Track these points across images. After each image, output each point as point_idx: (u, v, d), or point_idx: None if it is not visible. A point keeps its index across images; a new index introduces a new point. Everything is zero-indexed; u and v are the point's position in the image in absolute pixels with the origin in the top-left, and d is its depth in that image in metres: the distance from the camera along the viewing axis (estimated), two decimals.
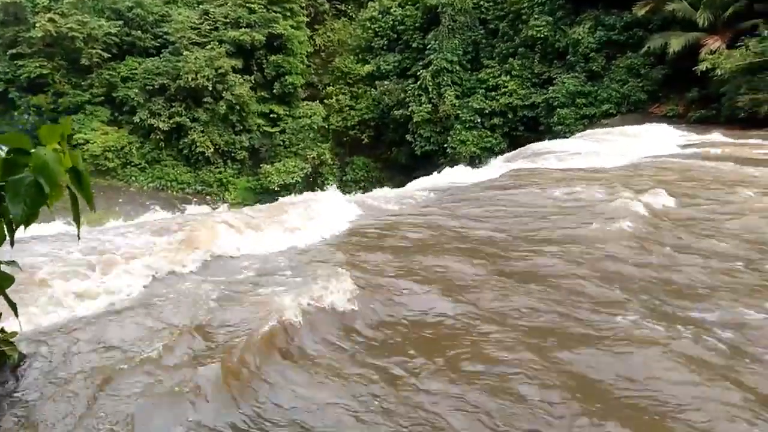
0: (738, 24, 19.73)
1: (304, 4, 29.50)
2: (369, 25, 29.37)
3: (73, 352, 3.59)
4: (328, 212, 6.90)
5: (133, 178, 26.29)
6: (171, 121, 26.27)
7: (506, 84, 25.48)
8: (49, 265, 4.59)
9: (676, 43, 20.36)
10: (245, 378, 3.23)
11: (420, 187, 9.76)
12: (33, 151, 1.95)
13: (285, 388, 3.16)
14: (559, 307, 4.00)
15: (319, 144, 27.94)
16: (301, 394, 3.11)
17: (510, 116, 25.34)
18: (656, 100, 22.03)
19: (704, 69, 18.83)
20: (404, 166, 27.84)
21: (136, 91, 26.67)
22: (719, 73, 18.46)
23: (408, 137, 26.89)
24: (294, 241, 5.97)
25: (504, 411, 2.89)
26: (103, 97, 27.29)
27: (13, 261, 2.20)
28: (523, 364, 3.27)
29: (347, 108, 29.09)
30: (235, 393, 3.10)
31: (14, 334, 2.81)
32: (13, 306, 2.36)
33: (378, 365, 3.37)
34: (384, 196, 8.88)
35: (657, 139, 15.49)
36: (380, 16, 29.15)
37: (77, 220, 2.10)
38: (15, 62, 26.37)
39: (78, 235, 2.21)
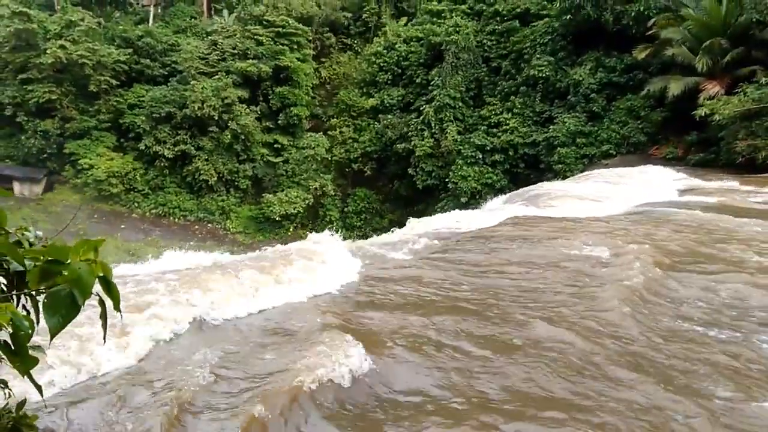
0: (736, 70, 20.14)
1: (311, 38, 30.13)
2: (374, 59, 29.92)
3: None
4: (328, 265, 7.02)
5: (136, 204, 26.51)
6: (176, 149, 26.60)
7: (508, 121, 25.86)
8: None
9: (675, 87, 20.76)
10: None
11: (419, 231, 9.90)
12: (69, 263, 2.11)
13: None
14: (556, 381, 4.12)
15: (321, 175, 28.23)
16: None
17: (511, 153, 25.65)
18: (656, 142, 22.34)
19: (703, 114, 19.15)
20: (406, 199, 28.11)
21: (143, 118, 27.06)
22: (718, 119, 18.76)
23: (410, 171, 27.18)
24: (293, 297, 6.08)
25: None
26: (109, 123, 27.70)
27: (39, 346, 2.36)
28: None
29: (350, 140, 29.46)
30: None
31: (35, 417, 2.93)
32: (39, 388, 2.50)
33: None
34: (383, 242, 9.04)
35: (656, 184, 15.72)
36: (385, 51, 29.73)
37: (105, 324, 2.26)
38: (24, 87, 26.81)
39: (104, 338, 2.35)
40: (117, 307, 2.39)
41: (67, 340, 4.36)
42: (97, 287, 2.32)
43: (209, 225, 26.50)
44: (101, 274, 2.29)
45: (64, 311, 2.16)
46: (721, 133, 19.07)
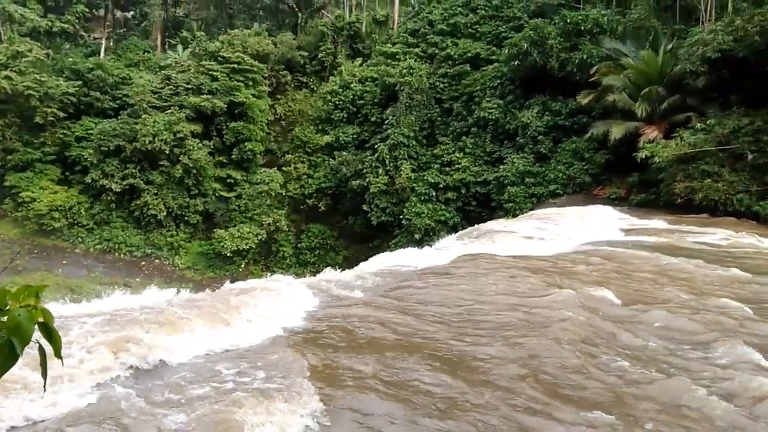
0: (673, 116, 21.35)
1: (266, 75, 30.31)
2: (330, 98, 30.29)
3: None
4: (283, 305, 6.94)
5: (80, 239, 25.57)
6: (124, 183, 25.97)
7: (460, 161, 26.47)
8: None
9: (616, 131, 21.79)
10: None
11: (373, 270, 9.95)
12: (8, 310, 2.04)
13: None
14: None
15: (275, 210, 28.01)
16: None
17: (463, 191, 26.18)
18: (600, 182, 23.26)
19: (643, 156, 20.12)
20: (360, 235, 28.15)
21: (90, 151, 26.38)
22: (657, 161, 19.75)
23: (365, 207, 27.30)
24: (249, 340, 5.94)
25: None
26: (54, 156, 26.86)
27: None
28: None
29: (305, 176, 29.48)
30: None
31: None
32: None
33: None
34: (338, 280, 9.01)
35: (600, 223, 16.32)
36: (341, 90, 30.17)
37: (45, 373, 2.18)
38: None
39: (44, 387, 2.26)
40: (58, 355, 2.30)
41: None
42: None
43: (157, 261, 25.74)
44: (41, 320, 2.23)
45: (1, 360, 2.09)
46: (660, 175, 20.04)
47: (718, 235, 13.39)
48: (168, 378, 4.97)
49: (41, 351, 2.27)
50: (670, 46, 22.86)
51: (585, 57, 23.84)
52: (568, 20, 25.06)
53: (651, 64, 22.28)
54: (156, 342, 5.41)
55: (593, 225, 15.75)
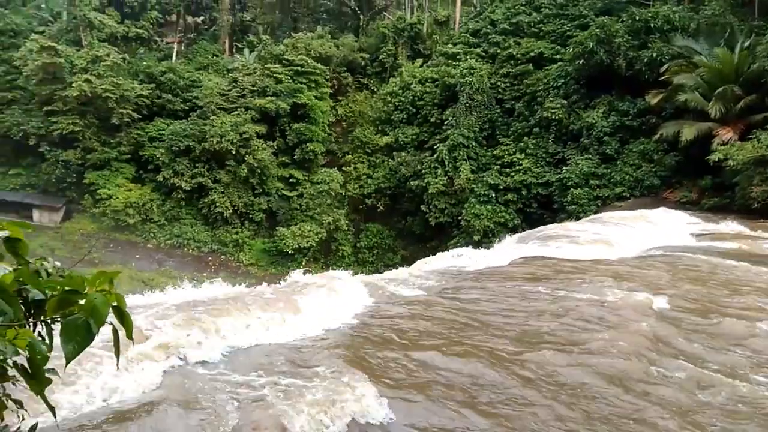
0: (749, 117, 20.22)
1: (328, 77, 30.83)
2: (390, 99, 30.47)
3: None
4: (340, 300, 7.08)
5: (152, 234, 26.84)
6: (193, 181, 27.05)
7: (521, 161, 26.03)
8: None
9: (688, 132, 20.84)
10: None
11: (429, 269, 9.94)
12: (86, 293, 2.21)
13: None
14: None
15: (335, 210, 28.45)
16: None
17: (524, 193, 25.73)
18: (669, 185, 22.31)
19: (717, 159, 19.17)
20: (418, 236, 28.17)
21: (162, 151, 27.63)
22: (732, 164, 18.77)
23: (423, 207, 27.31)
24: (308, 331, 6.11)
25: None
26: (129, 155, 28.33)
27: (54, 369, 2.47)
28: None
29: (365, 176, 29.78)
30: None
31: None
32: (52, 409, 2.59)
33: None
34: (394, 278, 9.07)
35: (671, 228, 15.61)
36: (401, 91, 30.29)
37: (117, 352, 2.36)
38: (49, 118, 27.62)
39: (117, 365, 2.44)
40: (129, 336, 2.47)
41: (83, 367, 4.43)
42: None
43: (222, 257, 26.70)
44: (115, 304, 2.40)
45: (79, 338, 2.27)
46: (735, 178, 19.03)
47: None
48: (234, 362, 5.20)
49: (114, 332, 2.44)
50: (747, 43, 21.62)
51: (654, 55, 22.94)
52: (637, 17, 24.18)
53: (726, 62, 21.17)
54: (221, 329, 5.67)
55: (662, 229, 15.11)
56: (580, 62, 24.88)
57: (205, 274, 21.44)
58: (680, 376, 5.03)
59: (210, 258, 26.35)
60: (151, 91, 29.19)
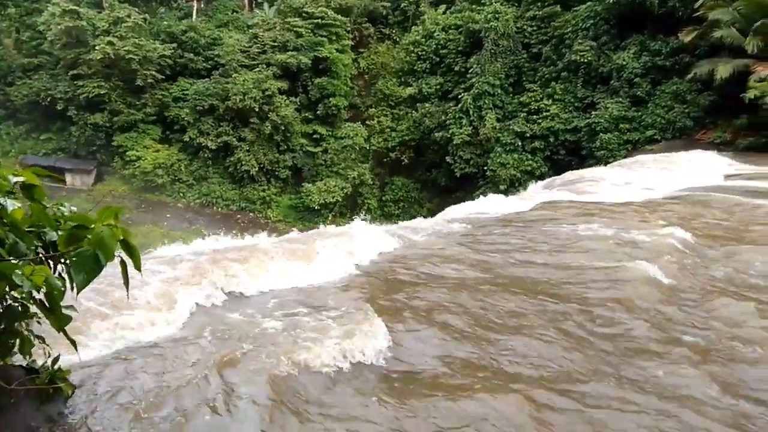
0: None
1: (349, 28, 30.26)
2: (412, 48, 29.83)
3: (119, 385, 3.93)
4: (362, 246, 7.15)
5: (181, 194, 27.31)
6: (219, 140, 27.24)
7: (548, 108, 25.41)
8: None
9: (723, 69, 19.95)
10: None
11: (452, 217, 9.93)
12: (93, 227, 2.28)
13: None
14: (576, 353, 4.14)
15: (359, 164, 28.42)
16: None
17: (551, 140, 25.22)
18: (702, 126, 21.57)
19: (753, 96, 18.40)
20: (443, 188, 28.02)
21: (187, 111, 27.79)
22: None
23: (448, 159, 27.06)
24: (328, 276, 6.23)
25: None
26: (155, 116, 28.58)
27: (72, 305, 2.60)
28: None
29: (388, 129, 29.53)
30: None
31: (68, 371, 3.17)
32: (73, 342, 2.73)
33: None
34: (416, 227, 9.09)
35: (702, 169, 15.18)
36: (423, 40, 29.58)
37: (127, 282, 2.45)
38: (75, 82, 27.92)
39: (127, 295, 2.54)
40: (138, 267, 2.56)
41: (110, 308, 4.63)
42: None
43: (251, 214, 27.09)
44: (122, 238, 2.47)
45: (88, 269, 2.37)
46: None
47: None
48: (256, 303, 5.38)
49: (122, 264, 2.53)
50: None
51: None
52: None
53: None
54: (243, 274, 5.85)
55: (693, 171, 14.69)
56: (610, 1, 23.84)
57: (234, 231, 21.81)
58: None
59: (239, 216, 26.77)
60: (173, 51, 29.14)
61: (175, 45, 29.39)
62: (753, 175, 13.56)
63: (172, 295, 5.18)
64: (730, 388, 3.79)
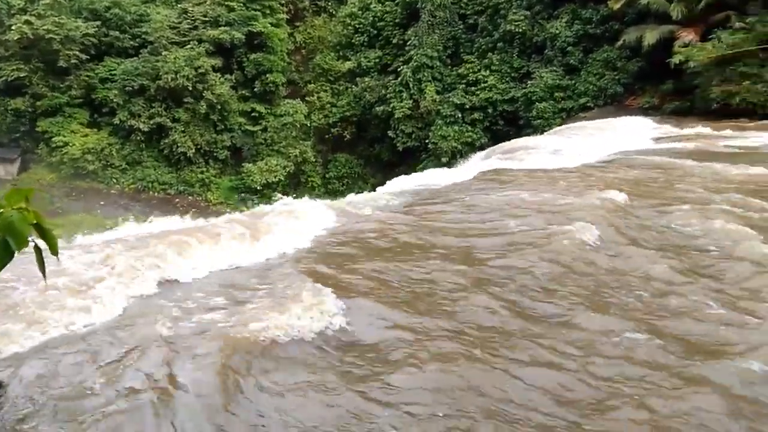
0: (710, 17, 20.07)
1: (283, 2, 29.47)
2: (349, 21, 29.42)
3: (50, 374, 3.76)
4: (303, 223, 7.08)
5: (114, 180, 26.19)
6: (151, 122, 26.17)
7: (486, 79, 25.70)
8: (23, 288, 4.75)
9: (650, 36, 20.69)
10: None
11: (393, 190, 9.98)
12: (1, 213, 2.13)
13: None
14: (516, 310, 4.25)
15: (301, 142, 27.99)
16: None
17: (490, 111, 25.58)
18: (632, 92, 22.39)
19: (678, 62, 19.18)
20: (387, 162, 28.03)
21: (116, 92, 26.51)
22: (692, 66, 18.86)
23: (390, 133, 27.05)
24: (269, 254, 6.14)
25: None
26: (81, 99, 27.10)
27: None
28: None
29: (329, 105, 29.18)
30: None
31: None
32: None
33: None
34: (359, 201, 9.08)
35: (632, 133, 15.80)
36: (360, 12, 29.21)
37: (42, 268, 2.31)
38: None
39: (45, 282, 2.40)
40: (54, 252, 2.41)
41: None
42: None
43: (190, 197, 26.31)
44: (35, 222, 2.32)
45: None
46: (696, 80, 19.15)
47: (755, 139, 12.85)
48: (191, 289, 5.22)
49: (36, 249, 2.38)
50: None
51: None
52: None
53: None
54: (182, 258, 5.67)
55: (623, 136, 15.26)
56: None
57: (174, 216, 21.16)
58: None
59: (177, 200, 25.96)
60: (96, 29, 27.55)
61: (98, 23, 27.79)
62: (678, 137, 14.20)
63: (103, 283, 4.97)
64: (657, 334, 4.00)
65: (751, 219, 6.38)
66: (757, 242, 5.48)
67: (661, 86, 20.93)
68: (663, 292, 4.65)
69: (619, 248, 5.61)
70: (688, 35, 19.95)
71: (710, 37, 19.14)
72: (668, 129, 16.29)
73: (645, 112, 20.58)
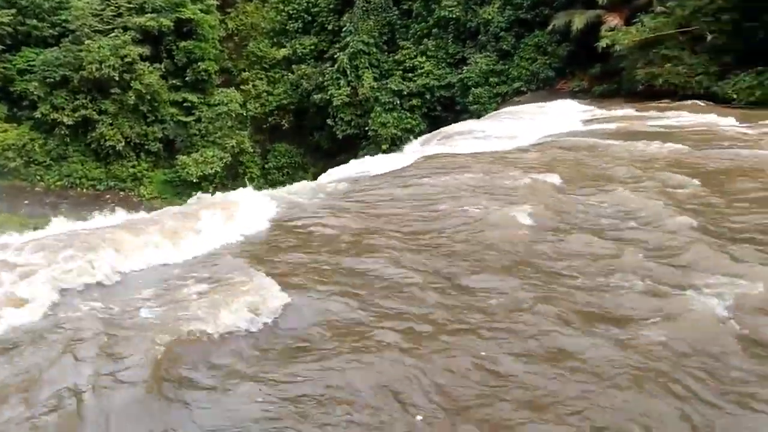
0: (635, 1, 20.86)
1: None
2: (282, 7, 28.88)
3: None
4: (243, 214, 6.89)
5: (38, 177, 24.78)
6: (76, 115, 24.85)
7: (422, 65, 25.83)
8: None
9: (578, 20, 21.33)
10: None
11: (332, 179, 9.92)
12: None
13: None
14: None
15: (237, 132, 27.29)
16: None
17: (428, 97, 25.76)
18: (563, 76, 23.05)
19: (605, 45, 19.86)
20: (327, 151, 27.81)
21: (36, 84, 24.97)
22: (618, 49, 19.56)
23: (329, 122, 26.83)
24: (208, 248, 5.94)
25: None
26: None
27: None
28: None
29: (265, 93, 28.59)
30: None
31: None
32: None
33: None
34: (298, 191, 8.95)
35: (562, 116, 16.30)
36: None
37: None
38: None
39: None
40: None
41: None
42: None
43: (122, 193, 25.26)
44: None
45: None
46: (622, 63, 19.89)
47: (675, 119, 13.52)
48: (125, 287, 5.00)
49: None
50: None
51: None
52: None
53: None
54: (110, 257, 5.39)
55: (555, 119, 15.72)
56: None
57: (104, 212, 20.28)
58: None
59: (108, 196, 24.86)
60: (12, 17, 25.81)
61: (14, 11, 26.02)
62: (606, 119, 14.75)
63: (26, 285, 4.68)
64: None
65: (675, 194, 6.70)
66: (684, 217, 5.75)
67: (590, 70, 21.65)
68: (589, 267, 4.82)
69: (553, 225, 5.76)
70: (613, 20, 20.68)
71: (634, 21, 19.90)
72: (597, 111, 16.87)
73: (575, 95, 21.27)
